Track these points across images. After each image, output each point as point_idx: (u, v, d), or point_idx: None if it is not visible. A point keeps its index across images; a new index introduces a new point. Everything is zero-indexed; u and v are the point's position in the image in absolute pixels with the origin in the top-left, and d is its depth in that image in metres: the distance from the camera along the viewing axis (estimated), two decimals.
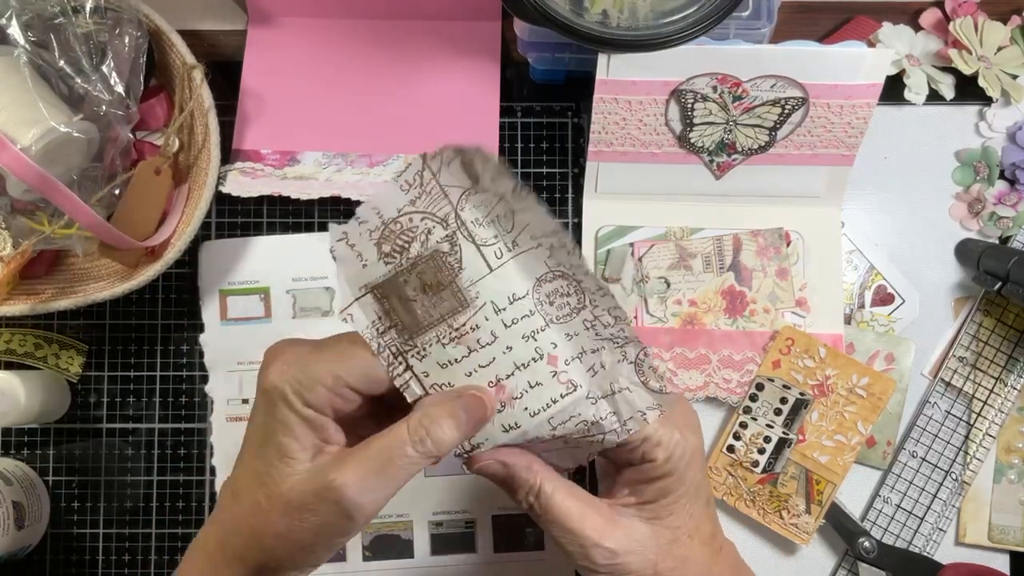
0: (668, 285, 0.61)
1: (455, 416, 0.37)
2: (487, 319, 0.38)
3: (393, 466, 0.37)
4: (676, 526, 0.40)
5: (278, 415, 0.37)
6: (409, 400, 0.39)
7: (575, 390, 0.39)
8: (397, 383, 0.38)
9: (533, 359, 0.39)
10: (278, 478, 0.37)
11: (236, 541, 0.38)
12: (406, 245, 0.37)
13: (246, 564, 0.38)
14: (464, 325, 0.38)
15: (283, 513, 0.37)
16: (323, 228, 0.63)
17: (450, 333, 0.38)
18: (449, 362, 0.39)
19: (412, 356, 0.38)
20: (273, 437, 0.38)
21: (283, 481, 0.37)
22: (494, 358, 0.39)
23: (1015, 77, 0.62)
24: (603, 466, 0.44)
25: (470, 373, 0.39)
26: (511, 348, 0.39)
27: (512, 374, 0.39)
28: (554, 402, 0.39)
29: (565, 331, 0.39)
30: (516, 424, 0.39)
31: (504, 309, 0.38)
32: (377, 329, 0.38)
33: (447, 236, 0.37)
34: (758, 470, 0.58)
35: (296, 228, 0.63)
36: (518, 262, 0.38)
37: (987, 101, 0.63)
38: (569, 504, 0.39)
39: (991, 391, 0.60)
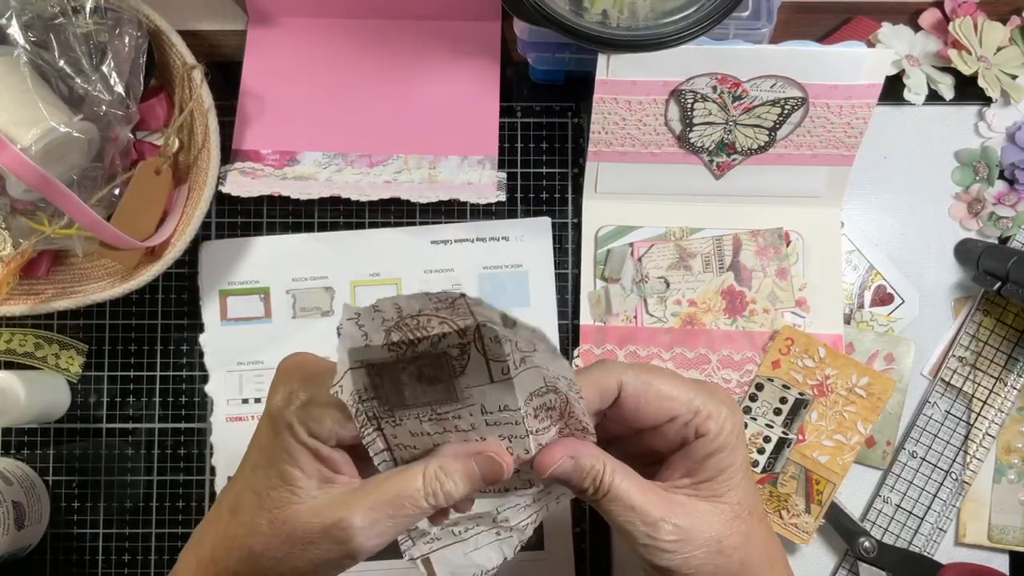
0: (668, 285, 0.61)
1: (471, 475, 0.38)
2: (471, 415, 0.38)
3: (404, 514, 0.37)
4: (736, 502, 0.39)
5: (283, 443, 0.37)
6: (371, 454, 0.39)
7: (531, 487, 0.41)
8: (364, 439, 0.38)
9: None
10: (282, 504, 0.37)
11: (231, 556, 0.38)
12: (416, 341, 0.36)
13: None
14: (447, 412, 0.38)
15: (284, 540, 0.37)
16: (323, 228, 0.63)
17: (431, 414, 0.38)
18: (421, 433, 0.38)
19: (386, 422, 0.38)
20: (277, 463, 0.38)
21: (287, 507, 0.37)
22: (465, 442, 0.39)
23: (1015, 77, 0.62)
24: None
25: (437, 446, 0.39)
26: (484, 440, 0.39)
27: None
28: (506, 490, 0.41)
29: (539, 441, 0.39)
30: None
31: (491, 412, 0.38)
32: (360, 396, 0.37)
33: (460, 344, 0.36)
34: (758, 470, 0.58)
35: (296, 228, 0.63)
36: (520, 379, 0.37)
37: (987, 101, 0.63)
38: (629, 484, 0.38)
39: (991, 391, 0.60)
